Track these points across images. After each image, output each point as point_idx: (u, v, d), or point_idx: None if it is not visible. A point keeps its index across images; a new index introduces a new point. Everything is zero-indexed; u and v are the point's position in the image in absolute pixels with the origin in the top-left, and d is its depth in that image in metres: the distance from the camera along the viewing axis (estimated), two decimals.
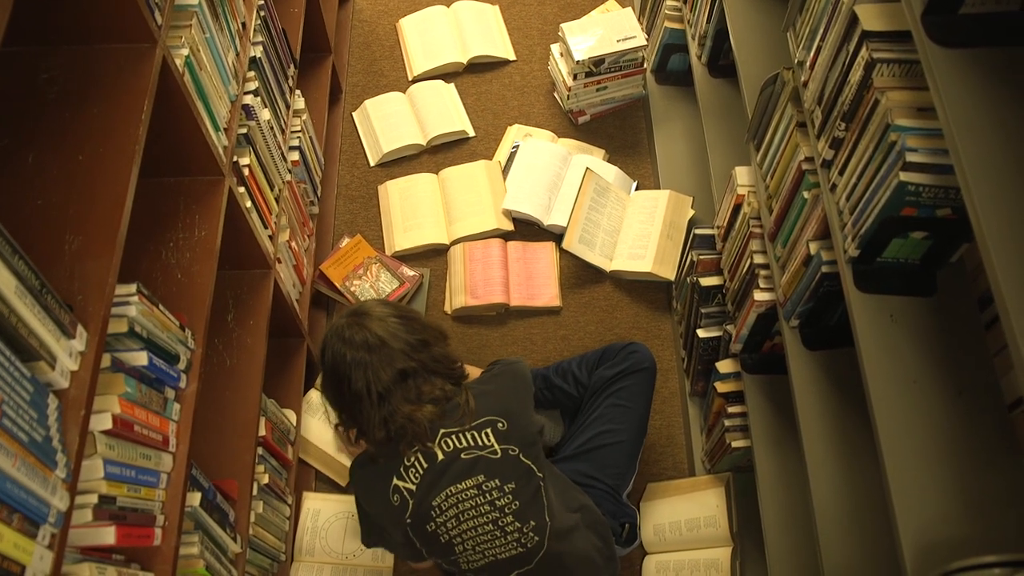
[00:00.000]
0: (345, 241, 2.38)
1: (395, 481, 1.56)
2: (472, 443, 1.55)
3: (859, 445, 1.43)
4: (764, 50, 1.78)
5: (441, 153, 2.66)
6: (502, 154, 2.63)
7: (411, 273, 2.37)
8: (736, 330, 1.75)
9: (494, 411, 1.58)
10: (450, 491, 1.54)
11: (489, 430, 1.56)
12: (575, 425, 1.93)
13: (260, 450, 1.71)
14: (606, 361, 1.93)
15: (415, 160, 2.66)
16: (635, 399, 1.89)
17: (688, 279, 2.05)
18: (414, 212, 2.51)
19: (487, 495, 1.55)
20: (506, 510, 1.56)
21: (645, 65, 2.60)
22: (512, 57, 2.86)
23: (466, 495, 1.55)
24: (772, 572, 1.63)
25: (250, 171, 1.68)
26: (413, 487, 1.55)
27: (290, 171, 2.02)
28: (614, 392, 1.89)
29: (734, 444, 1.82)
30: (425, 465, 1.54)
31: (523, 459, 1.58)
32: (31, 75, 1.20)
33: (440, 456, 1.54)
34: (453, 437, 1.55)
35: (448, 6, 2.96)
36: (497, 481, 1.55)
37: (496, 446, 1.56)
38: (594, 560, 1.68)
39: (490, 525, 1.57)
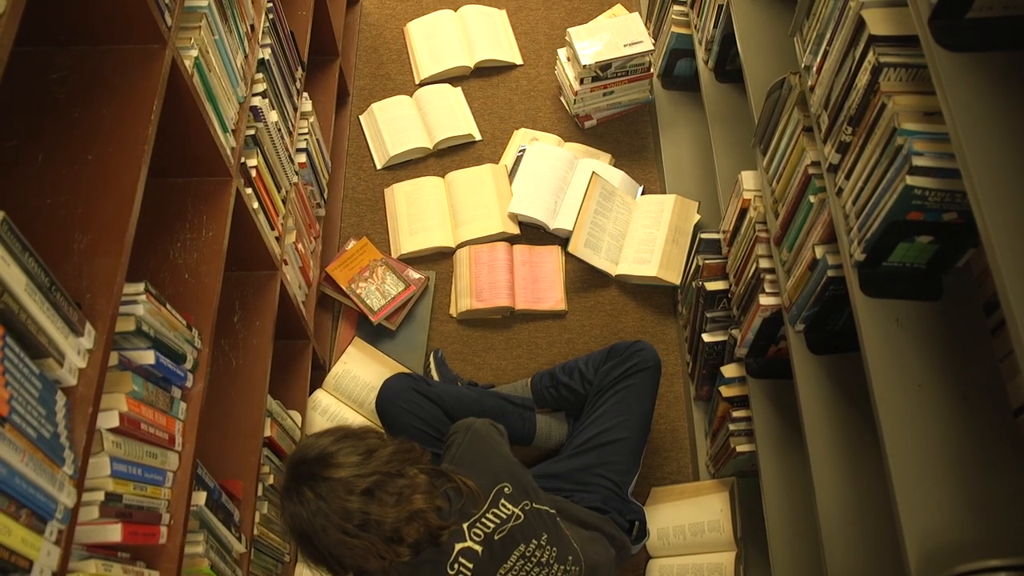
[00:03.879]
0: (351, 243, 2.39)
1: None
2: (497, 520, 1.50)
3: (864, 450, 1.42)
4: (771, 55, 1.78)
5: (447, 157, 2.67)
6: (508, 158, 2.63)
7: (417, 276, 2.37)
8: (741, 334, 1.75)
9: (493, 479, 1.52)
10: (501, 572, 1.49)
11: (503, 500, 1.51)
12: (579, 422, 1.94)
13: (265, 451, 1.71)
14: (612, 359, 1.94)
15: (421, 163, 2.66)
16: (639, 397, 1.89)
17: (693, 283, 2.05)
18: (420, 215, 2.51)
19: (532, 558, 1.51)
20: (551, 561, 1.54)
21: (652, 70, 2.61)
22: (519, 61, 2.87)
23: (515, 570, 1.50)
24: None
25: (257, 172, 1.68)
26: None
27: (297, 173, 2.03)
28: (619, 390, 1.89)
29: (739, 448, 1.82)
30: (471, 566, 1.46)
31: (537, 506, 1.55)
32: (41, 75, 1.20)
33: (479, 549, 1.47)
34: (479, 525, 1.48)
35: (455, 10, 2.97)
36: (534, 541, 1.52)
37: (515, 510, 1.51)
38: (611, 559, 1.70)
39: None
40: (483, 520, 1.49)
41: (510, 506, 1.51)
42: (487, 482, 1.51)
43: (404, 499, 1.39)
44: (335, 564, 1.41)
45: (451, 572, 1.45)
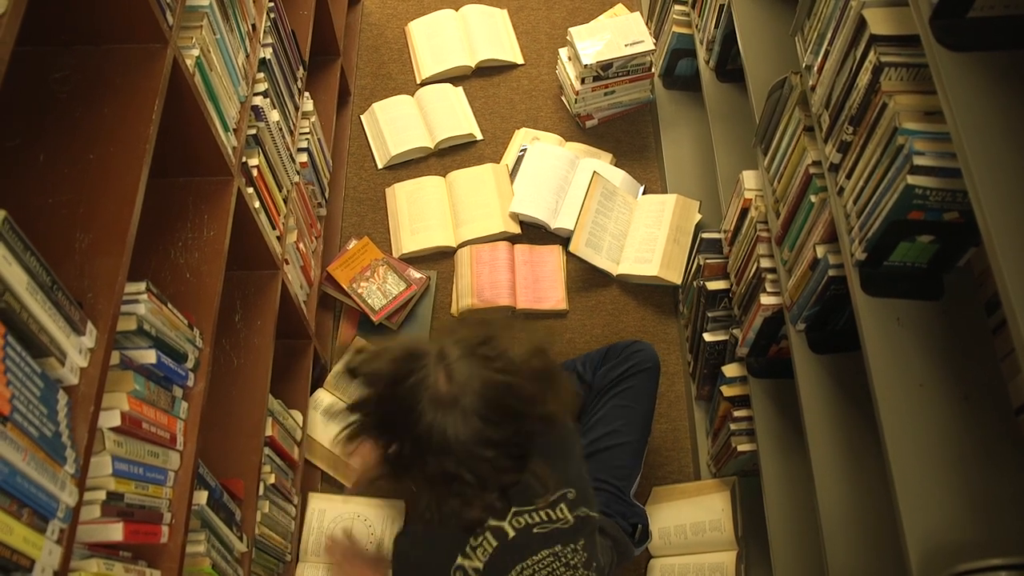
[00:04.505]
0: (352, 243, 2.39)
1: (460, 560, 1.40)
2: (546, 519, 1.44)
3: (865, 449, 1.42)
4: (772, 54, 1.78)
5: (449, 156, 2.67)
6: (509, 157, 2.63)
7: (418, 276, 2.37)
8: (742, 334, 1.75)
9: (564, 483, 1.45)
10: (525, 564, 1.43)
11: (563, 504, 1.45)
12: (580, 425, 1.93)
13: (267, 450, 1.72)
14: (610, 360, 1.93)
15: (423, 163, 2.66)
16: (640, 399, 1.89)
17: (695, 283, 2.05)
18: (421, 215, 2.51)
19: (562, 558, 1.47)
20: (579, 565, 1.49)
21: (653, 70, 2.61)
22: (520, 61, 2.87)
23: (541, 565, 1.45)
24: None
25: (259, 172, 1.68)
26: (480, 565, 1.41)
27: (298, 172, 2.03)
28: (618, 392, 1.88)
29: (740, 448, 1.82)
30: (495, 543, 1.40)
31: (590, 514, 1.50)
32: (43, 75, 1.21)
33: (511, 534, 1.40)
34: (526, 515, 1.42)
35: (456, 10, 2.97)
36: (572, 545, 1.47)
37: (569, 516, 1.46)
38: (612, 558, 1.71)
39: None
40: (534, 513, 1.42)
41: (566, 511, 1.45)
42: (556, 483, 1.42)
43: (487, 489, 1.29)
44: (389, 440, 1.32)
45: (474, 542, 1.38)
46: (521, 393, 1.28)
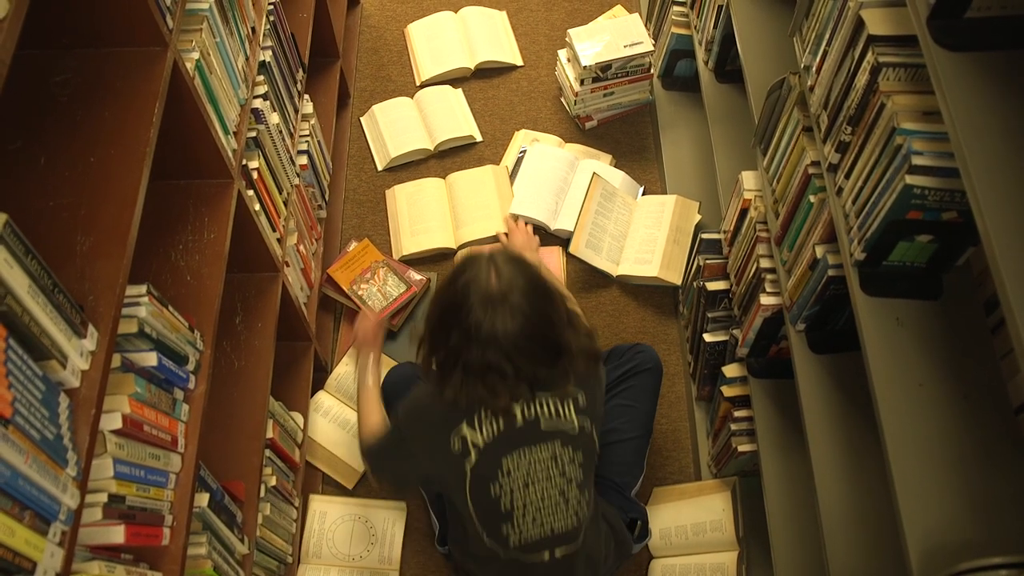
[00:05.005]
0: (353, 245, 2.39)
1: (464, 429, 1.51)
2: (553, 413, 1.53)
3: (865, 449, 1.43)
4: (770, 55, 1.78)
5: (448, 158, 2.67)
6: (509, 159, 2.64)
7: (418, 277, 2.38)
8: (742, 334, 1.75)
9: (578, 384, 1.56)
10: (523, 451, 1.51)
11: (571, 401, 1.55)
12: None
13: (268, 452, 1.72)
14: (612, 361, 1.94)
15: (422, 165, 2.66)
16: (641, 398, 1.90)
17: (694, 283, 2.05)
18: (421, 216, 2.51)
19: (559, 463, 1.54)
20: (573, 479, 1.56)
21: (652, 71, 2.61)
22: (519, 62, 2.87)
23: (540, 461, 1.52)
24: None
25: (259, 174, 1.69)
26: (482, 442, 1.51)
27: (298, 175, 2.03)
28: (620, 392, 1.89)
29: (740, 448, 1.82)
30: (501, 425, 1.51)
31: (593, 434, 1.59)
32: (43, 78, 1.21)
33: (519, 420, 1.51)
34: (537, 404, 1.52)
35: (456, 12, 2.97)
36: (570, 450, 1.54)
37: (575, 420, 1.55)
38: (611, 547, 1.73)
39: (556, 493, 1.55)
40: (545, 402, 1.52)
41: (572, 412, 1.54)
42: (575, 383, 1.55)
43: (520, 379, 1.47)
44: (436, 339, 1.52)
45: (481, 415, 1.50)
46: (556, 299, 1.51)
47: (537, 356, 1.46)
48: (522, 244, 2.23)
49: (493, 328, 1.41)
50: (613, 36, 2.52)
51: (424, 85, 2.82)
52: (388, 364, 2.25)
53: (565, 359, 1.50)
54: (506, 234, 2.39)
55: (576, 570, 1.63)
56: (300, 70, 2.08)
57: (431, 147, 2.65)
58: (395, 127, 2.69)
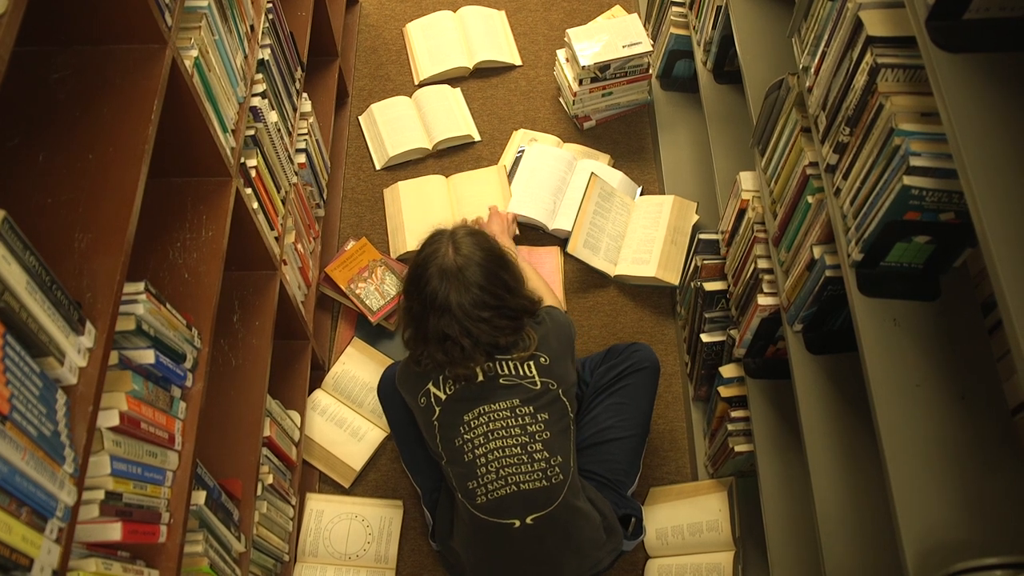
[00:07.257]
0: (350, 244, 2.39)
1: (429, 385, 1.61)
2: (513, 371, 1.58)
3: (862, 449, 1.43)
4: (769, 56, 1.79)
5: (447, 157, 2.67)
6: (507, 159, 2.64)
7: None
8: (740, 335, 1.76)
9: (539, 347, 1.61)
10: (483, 408, 1.58)
11: (532, 363, 1.60)
12: (577, 419, 1.94)
13: (264, 451, 1.72)
14: (609, 360, 1.94)
15: (421, 164, 2.67)
16: (637, 397, 1.90)
17: (692, 284, 2.05)
18: (419, 216, 2.51)
19: (520, 418, 1.58)
20: (537, 437, 1.59)
21: (650, 71, 2.61)
22: (518, 62, 2.87)
23: (498, 415, 1.58)
24: None
25: (257, 173, 1.69)
26: (443, 396, 1.60)
27: (296, 173, 2.03)
28: (616, 390, 1.89)
29: (737, 448, 1.82)
30: (462, 381, 1.58)
31: (561, 396, 1.62)
32: (42, 75, 1.21)
33: (479, 377, 1.57)
34: (497, 364, 1.58)
35: (455, 11, 2.98)
36: (531, 408, 1.59)
37: (537, 378, 1.59)
38: (599, 532, 1.72)
39: (518, 448, 1.59)
40: (504, 363, 1.58)
41: (534, 371, 1.59)
42: (536, 347, 1.61)
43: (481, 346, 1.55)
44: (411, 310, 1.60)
45: (447, 373, 1.58)
46: (513, 269, 1.61)
47: (495, 325, 1.54)
48: (499, 229, 2.28)
49: (447, 299, 1.51)
50: (612, 36, 2.52)
51: (422, 84, 2.82)
52: (385, 363, 2.25)
53: (526, 327, 1.60)
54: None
55: (547, 541, 1.65)
56: (299, 68, 2.08)
57: (429, 146, 2.65)
58: (393, 126, 2.69)
